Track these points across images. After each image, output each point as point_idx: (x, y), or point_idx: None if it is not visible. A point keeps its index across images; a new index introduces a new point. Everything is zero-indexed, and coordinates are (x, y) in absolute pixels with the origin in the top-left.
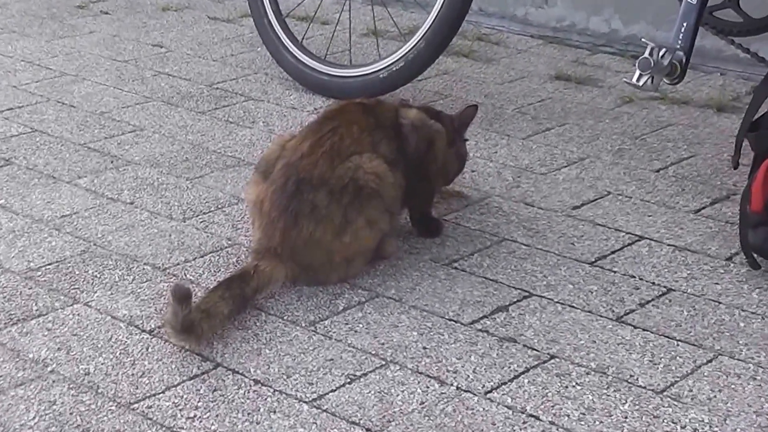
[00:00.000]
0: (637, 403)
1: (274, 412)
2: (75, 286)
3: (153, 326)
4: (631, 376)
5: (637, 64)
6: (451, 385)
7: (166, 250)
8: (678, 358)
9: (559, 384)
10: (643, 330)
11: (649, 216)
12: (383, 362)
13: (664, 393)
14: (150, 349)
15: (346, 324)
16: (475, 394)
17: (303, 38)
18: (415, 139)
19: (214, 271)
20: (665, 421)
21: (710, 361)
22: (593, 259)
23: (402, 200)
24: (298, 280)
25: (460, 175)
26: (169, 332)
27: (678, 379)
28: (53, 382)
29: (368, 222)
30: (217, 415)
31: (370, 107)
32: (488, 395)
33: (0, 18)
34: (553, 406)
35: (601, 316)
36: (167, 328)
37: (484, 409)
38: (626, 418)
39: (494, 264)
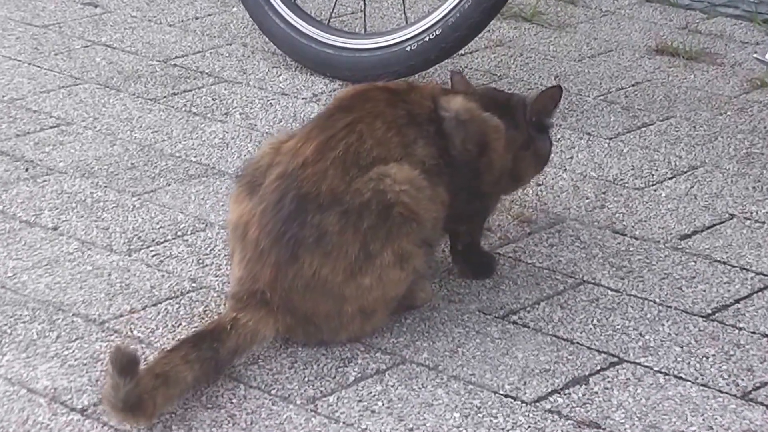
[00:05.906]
0: None
1: None
2: None
3: (86, 403)
4: None
5: None
6: None
7: (103, 296)
8: None
9: None
10: None
11: None
12: None
13: None
14: None
15: (360, 401)
16: None
17: None
18: (461, 138)
19: (173, 326)
20: None
21: None
22: (710, 311)
23: (442, 226)
24: (293, 337)
25: (521, 189)
26: (109, 411)
27: None
28: None
29: (398, 257)
30: None
31: (400, 94)
32: None
33: None
34: None
35: (720, 392)
36: (106, 405)
37: None
38: None
39: (569, 317)
